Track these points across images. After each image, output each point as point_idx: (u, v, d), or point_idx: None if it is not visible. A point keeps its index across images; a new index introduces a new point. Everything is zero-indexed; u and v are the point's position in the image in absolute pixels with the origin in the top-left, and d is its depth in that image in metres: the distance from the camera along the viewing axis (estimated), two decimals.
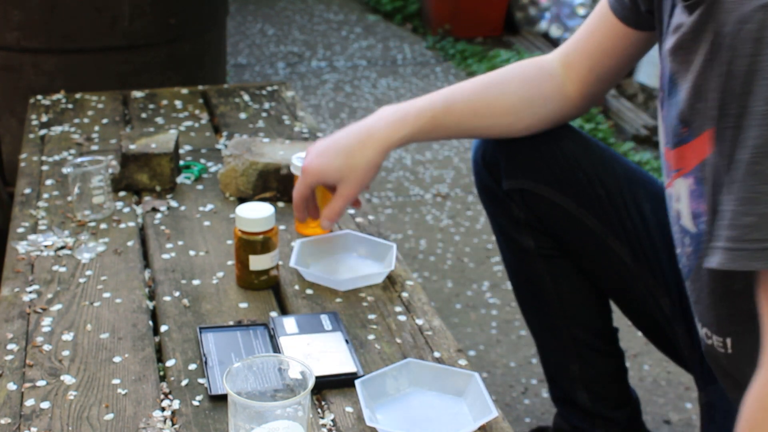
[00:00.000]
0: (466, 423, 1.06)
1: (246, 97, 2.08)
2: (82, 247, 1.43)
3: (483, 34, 4.82)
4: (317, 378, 1.07)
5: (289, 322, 1.22)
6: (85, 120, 1.93)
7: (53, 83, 2.43)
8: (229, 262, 1.39)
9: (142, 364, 1.16)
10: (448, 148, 3.43)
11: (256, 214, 1.30)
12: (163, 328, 1.24)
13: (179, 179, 1.66)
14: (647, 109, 3.70)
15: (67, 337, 1.21)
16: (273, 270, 1.33)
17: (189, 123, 1.93)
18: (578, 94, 1.44)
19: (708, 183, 1.11)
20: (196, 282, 1.35)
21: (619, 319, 1.63)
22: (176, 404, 1.08)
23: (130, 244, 1.45)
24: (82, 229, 1.49)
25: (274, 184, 1.58)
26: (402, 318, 1.27)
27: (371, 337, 1.23)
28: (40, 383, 1.11)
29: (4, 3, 2.41)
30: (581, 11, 4.42)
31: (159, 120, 1.94)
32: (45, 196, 1.60)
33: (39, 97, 2.05)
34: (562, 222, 1.49)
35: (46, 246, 1.43)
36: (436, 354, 1.19)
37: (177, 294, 1.32)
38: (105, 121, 1.93)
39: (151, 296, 1.32)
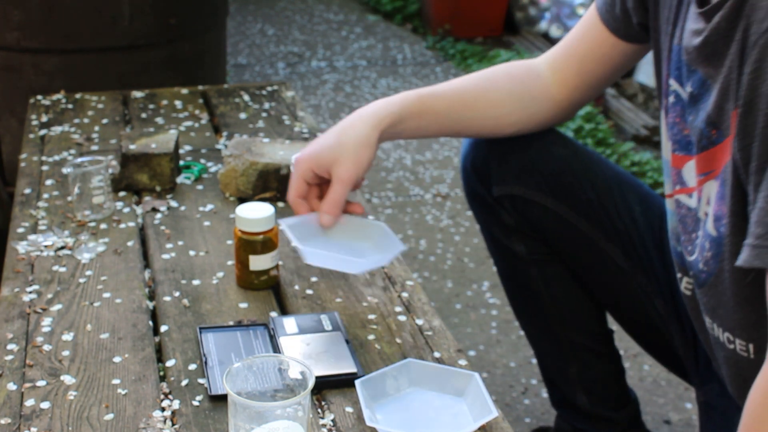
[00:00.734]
0: (466, 423, 1.06)
1: (246, 97, 2.08)
2: (82, 247, 1.43)
3: (483, 34, 4.82)
4: (317, 378, 1.07)
5: (289, 322, 1.22)
6: (85, 120, 1.93)
7: (53, 83, 2.43)
8: (229, 262, 1.39)
9: (142, 364, 1.16)
10: (448, 148, 3.44)
11: (256, 214, 1.30)
12: (163, 328, 1.24)
13: (179, 179, 1.66)
14: (647, 109, 3.70)
15: (67, 337, 1.21)
16: (273, 270, 1.33)
17: (189, 123, 1.93)
18: (565, 99, 1.44)
19: (727, 184, 1.11)
20: (196, 282, 1.35)
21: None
22: (176, 404, 1.08)
23: (130, 244, 1.45)
24: (82, 229, 1.49)
25: (274, 184, 1.58)
26: (402, 318, 1.27)
27: (371, 337, 1.23)
28: (40, 383, 1.11)
29: (4, 3, 2.41)
30: (581, 11, 4.42)
31: (159, 120, 1.94)
32: (45, 196, 1.60)
33: (39, 97, 2.05)
34: (553, 226, 1.49)
35: (46, 246, 1.43)
36: (436, 354, 1.19)
37: (177, 294, 1.32)
38: (105, 121, 1.93)
39: (151, 296, 1.32)
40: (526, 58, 1.66)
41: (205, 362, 1.15)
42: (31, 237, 1.45)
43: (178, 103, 2.04)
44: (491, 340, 2.24)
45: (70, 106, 2.01)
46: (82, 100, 2.04)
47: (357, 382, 1.08)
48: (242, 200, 1.58)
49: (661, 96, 1.27)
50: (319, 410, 1.08)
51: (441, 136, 1.46)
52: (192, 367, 1.15)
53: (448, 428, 1.06)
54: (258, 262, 1.31)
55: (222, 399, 1.08)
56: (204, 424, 1.05)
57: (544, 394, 2.02)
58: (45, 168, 1.71)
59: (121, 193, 1.61)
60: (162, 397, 1.10)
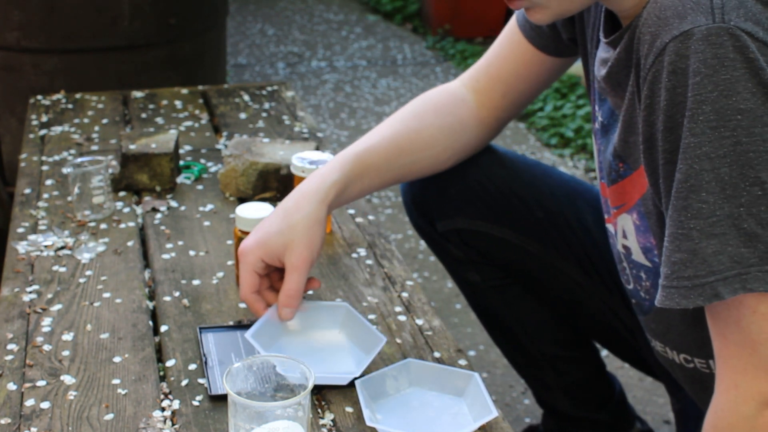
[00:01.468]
0: (466, 423, 1.06)
1: (246, 97, 2.08)
2: (82, 247, 1.43)
3: (483, 34, 4.82)
4: (317, 378, 1.07)
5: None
6: (85, 120, 1.93)
7: (53, 83, 2.43)
8: (229, 262, 1.39)
9: (142, 364, 1.16)
10: None
11: (256, 214, 1.30)
12: (163, 328, 1.24)
13: (179, 179, 1.66)
14: None
15: (67, 337, 1.21)
16: None
17: (189, 123, 1.93)
18: (493, 119, 1.40)
19: (652, 216, 1.09)
20: (196, 282, 1.35)
21: None
22: (176, 404, 1.08)
23: (130, 244, 1.45)
24: (82, 229, 1.49)
25: (274, 184, 1.58)
26: (402, 318, 1.27)
27: None
28: (40, 383, 1.11)
29: (4, 3, 2.41)
30: None
31: (159, 120, 1.94)
32: (45, 196, 1.60)
33: (39, 97, 2.05)
34: (504, 253, 1.47)
35: (46, 246, 1.43)
36: (436, 354, 1.19)
37: (177, 294, 1.32)
38: (105, 121, 1.93)
39: (151, 296, 1.32)
40: None
41: (205, 362, 1.15)
42: (31, 237, 1.45)
43: (178, 103, 2.04)
44: (491, 340, 2.23)
45: (70, 106, 2.01)
46: (82, 100, 2.04)
47: (357, 382, 1.08)
48: (242, 200, 1.58)
49: (593, 119, 1.23)
50: (319, 410, 1.08)
51: (383, 188, 1.39)
52: (192, 367, 1.15)
53: (448, 428, 1.06)
54: None
55: (222, 399, 1.08)
56: (204, 424, 1.05)
57: None
58: (45, 168, 1.71)
59: (121, 193, 1.61)
60: (162, 397, 1.10)
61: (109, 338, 1.21)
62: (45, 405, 1.07)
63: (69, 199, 1.56)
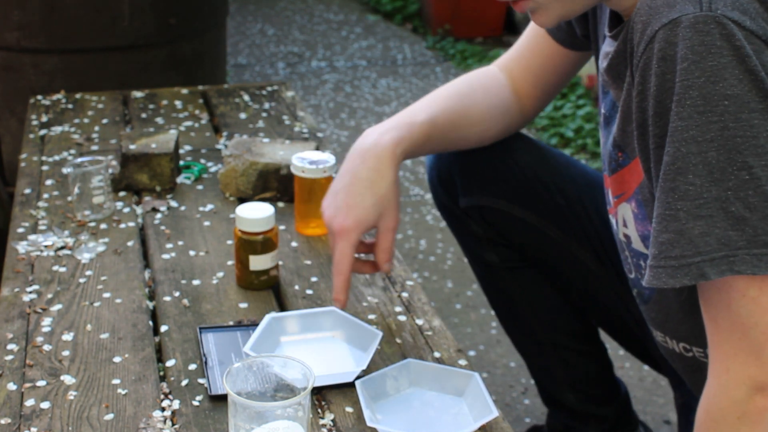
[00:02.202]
0: (466, 423, 1.06)
1: (246, 97, 2.08)
2: (82, 247, 1.43)
3: (483, 34, 4.82)
4: (317, 378, 1.06)
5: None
6: (85, 120, 1.93)
7: (53, 83, 2.43)
8: (229, 262, 1.39)
9: (142, 364, 1.16)
10: None
11: (256, 214, 1.30)
12: (163, 328, 1.24)
13: (179, 179, 1.66)
14: None
15: (67, 337, 1.21)
16: (273, 270, 1.33)
17: (189, 123, 1.93)
18: (528, 107, 1.45)
19: (649, 204, 1.10)
20: (196, 282, 1.35)
21: None
22: (176, 404, 1.08)
23: (130, 244, 1.45)
24: (82, 229, 1.49)
25: (274, 184, 1.58)
26: (402, 318, 1.27)
27: None
28: (40, 383, 1.11)
29: (4, 3, 2.41)
30: None
31: (159, 120, 1.94)
32: (45, 196, 1.60)
33: (39, 97, 2.05)
34: (523, 235, 1.49)
35: (46, 246, 1.43)
36: (436, 354, 1.19)
37: (177, 294, 1.32)
38: (105, 121, 1.93)
39: (151, 296, 1.32)
40: None
41: (205, 362, 1.15)
42: (31, 237, 1.45)
43: (178, 103, 2.04)
44: (491, 340, 2.24)
45: (70, 106, 2.01)
46: (82, 100, 2.04)
47: (357, 382, 1.08)
48: (242, 200, 1.58)
49: (600, 114, 1.27)
50: (319, 410, 1.08)
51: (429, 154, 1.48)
52: (192, 367, 1.15)
53: (448, 428, 1.06)
54: (258, 262, 1.31)
55: (222, 399, 1.08)
56: (204, 424, 1.05)
57: None
58: (45, 168, 1.71)
59: (121, 193, 1.61)
60: (162, 397, 1.10)
61: (109, 338, 1.21)
62: (45, 405, 1.07)
63: (69, 199, 1.56)
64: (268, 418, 0.94)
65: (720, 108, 0.92)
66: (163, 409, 1.08)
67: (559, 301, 1.56)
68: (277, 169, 1.57)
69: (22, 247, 1.42)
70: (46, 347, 1.18)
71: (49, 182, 1.65)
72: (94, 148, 1.79)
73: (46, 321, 1.24)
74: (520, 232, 1.49)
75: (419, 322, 1.26)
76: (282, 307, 1.30)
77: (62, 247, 1.43)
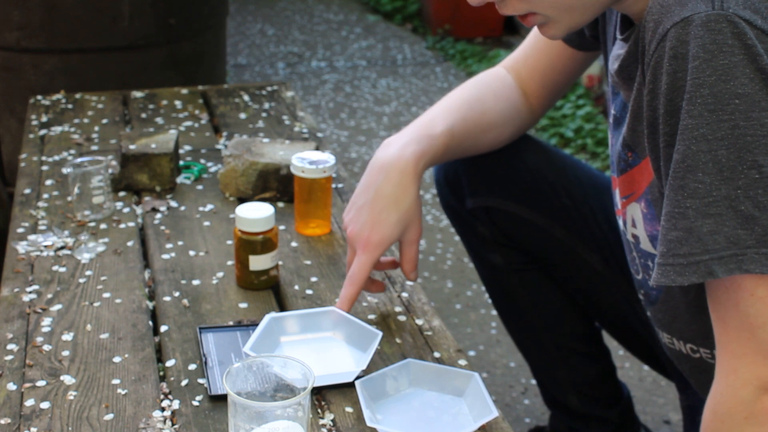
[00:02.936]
0: (466, 423, 1.06)
1: (246, 97, 2.08)
2: (82, 247, 1.43)
3: (483, 34, 4.82)
4: (317, 378, 1.07)
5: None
6: (85, 120, 1.93)
7: (53, 83, 2.43)
8: (229, 262, 1.39)
9: (142, 364, 1.16)
10: None
11: (256, 214, 1.30)
12: (163, 329, 1.24)
13: (179, 179, 1.66)
14: None
15: (67, 337, 1.21)
16: (273, 270, 1.33)
17: (189, 123, 1.93)
18: (536, 107, 1.45)
19: (658, 204, 1.10)
20: (196, 282, 1.35)
21: None
22: (176, 404, 1.08)
23: (130, 244, 1.45)
24: (82, 229, 1.49)
25: (274, 184, 1.58)
26: (402, 318, 1.27)
27: None
28: (40, 383, 1.11)
29: (4, 3, 2.41)
30: None
31: (159, 120, 1.94)
32: (45, 196, 1.60)
33: (39, 97, 2.05)
34: (529, 236, 1.49)
35: (46, 246, 1.43)
36: (436, 354, 1.19)
37: (177, 294, 1.32)
38: (105, 121, 1.93)
39: (151, 296, 1.32)
40: None
41: (205, 362, 1.15)
42: (31, 237, 1.45)
43: (178, 103, 2.04)
44: (491, 340, 2.24)
45: (70, 106, 2.01)
46: (82, 100, 2.04)
47: (357, 382, 1.08)
48: (242, 200, 1.58)
49: (607, 116, 1.27)
50: (319, 410, 1.08)
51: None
52: (192, 367, 1.15)
53: (448, 428, 1.06)
54: (258, 262, 1.31)
55: (222, 399, 1.08)
56: (204, 424, 1.05)
57: None
58: (45, 168, 1.71)
59: (121, 193, 1.61)
60: (162, 397, 1.10)
61: (109, 338, 1.21)
62: (45, 405, 1.07)
63: (69, 199, 1.56)
64: (268, 418, 0.94)
65: (731, 106, 0.92)
66: (163, 409, 1.08)
67: (564, 303, 1.56)
68: (277, 169, 1.57)
69: (22, 247, 1.42)
70: (46, 347, 1.18)
71: (49, 182, 1.65)
72: (94, 148, 1.79)
73: (46, 321, 1.24)
74: (526, 233, 1.49)
75: (419, 322, 1.26)
76: (282, 307, 1.30)
77: (62, 247, 1.43)
